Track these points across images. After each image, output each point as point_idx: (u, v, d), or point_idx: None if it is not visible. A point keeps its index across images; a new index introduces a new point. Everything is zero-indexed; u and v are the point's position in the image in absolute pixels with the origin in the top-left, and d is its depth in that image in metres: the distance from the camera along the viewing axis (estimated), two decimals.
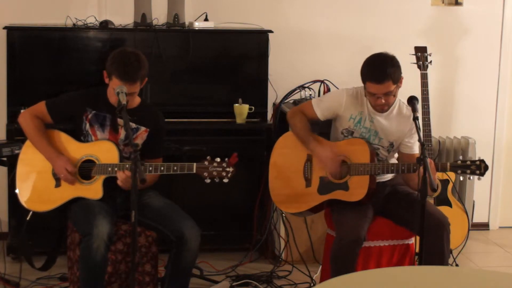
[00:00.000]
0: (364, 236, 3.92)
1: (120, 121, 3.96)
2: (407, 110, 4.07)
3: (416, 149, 4.10)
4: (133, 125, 3.97)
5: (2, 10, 5.14)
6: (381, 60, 3.97)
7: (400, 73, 3.99)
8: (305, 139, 4.11)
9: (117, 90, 3.77)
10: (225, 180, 3.74)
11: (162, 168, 3.79)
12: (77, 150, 3.96)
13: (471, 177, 3.88)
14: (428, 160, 3.69)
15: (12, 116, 4.78)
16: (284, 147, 4.23)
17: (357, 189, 3.98)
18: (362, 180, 3.98)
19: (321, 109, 4.13)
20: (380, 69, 3.93)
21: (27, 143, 4.04)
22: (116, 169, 3.83)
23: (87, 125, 3.98)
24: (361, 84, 4.06)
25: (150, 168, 3.79)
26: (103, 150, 3.92)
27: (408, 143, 4.10)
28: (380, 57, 4.00)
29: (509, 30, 5.74)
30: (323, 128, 4.28)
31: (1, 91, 5.05)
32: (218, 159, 3.75)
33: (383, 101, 3.97)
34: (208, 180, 3.74)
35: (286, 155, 4.20)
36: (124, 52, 3.96)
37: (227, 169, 3.74)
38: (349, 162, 4.01)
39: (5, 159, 4.49)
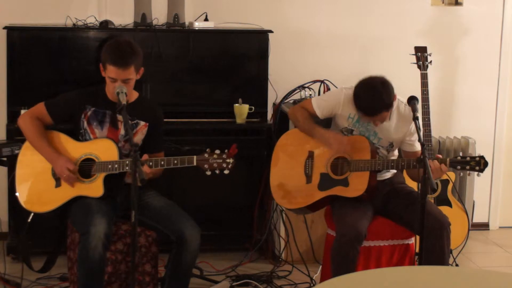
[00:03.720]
0: (365, 233, 3.91)
1: (120, 117, 3.95)
2: (406, 109, 4.07)
3: (418, 146, 4.10)
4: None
5: (2, 10, 5.14)
6: (376, 93, 3.93)
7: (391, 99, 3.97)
8: (310, 128, 4.13)
9: (117, 90, 3.78)
10: (226, 172, 3.74)
11: (162, 163, 3.80)
12: (76, 149, 3.96)
13: (471, 173, 3.86)
14: (430, 161, 3.71)
15: (12, 116, 4.78)
16: (286, 144, 4.24)
17: (357, 185, 3.98)
18: (362, 177, 3.98)
19: (320, 108, 4.15)
20: (374, 102, 3.92)
21: (25, 144, 4.04)
22: (116, 166, 3.84)
23: (85, 123, 3.98)
24: None
25: (150, 163, 3.79)
26: (102, 148, 3.91)
27: (409, 141, 4.11)
28: (375, 90, 3.94)
29: (509, 30, 5.74)
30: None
31: (1, 91, 5.05)
32: (218, 151, 3.76)
33: (378, 123, 4.00)
34: (208, 172, 3.74)
35: (287, 152, 4.21)
36: (116, 40, 3.99)
37: (227, 161, 3.74)
38: (349, 159, 4.02)
39: (5, 159, 4.49)
